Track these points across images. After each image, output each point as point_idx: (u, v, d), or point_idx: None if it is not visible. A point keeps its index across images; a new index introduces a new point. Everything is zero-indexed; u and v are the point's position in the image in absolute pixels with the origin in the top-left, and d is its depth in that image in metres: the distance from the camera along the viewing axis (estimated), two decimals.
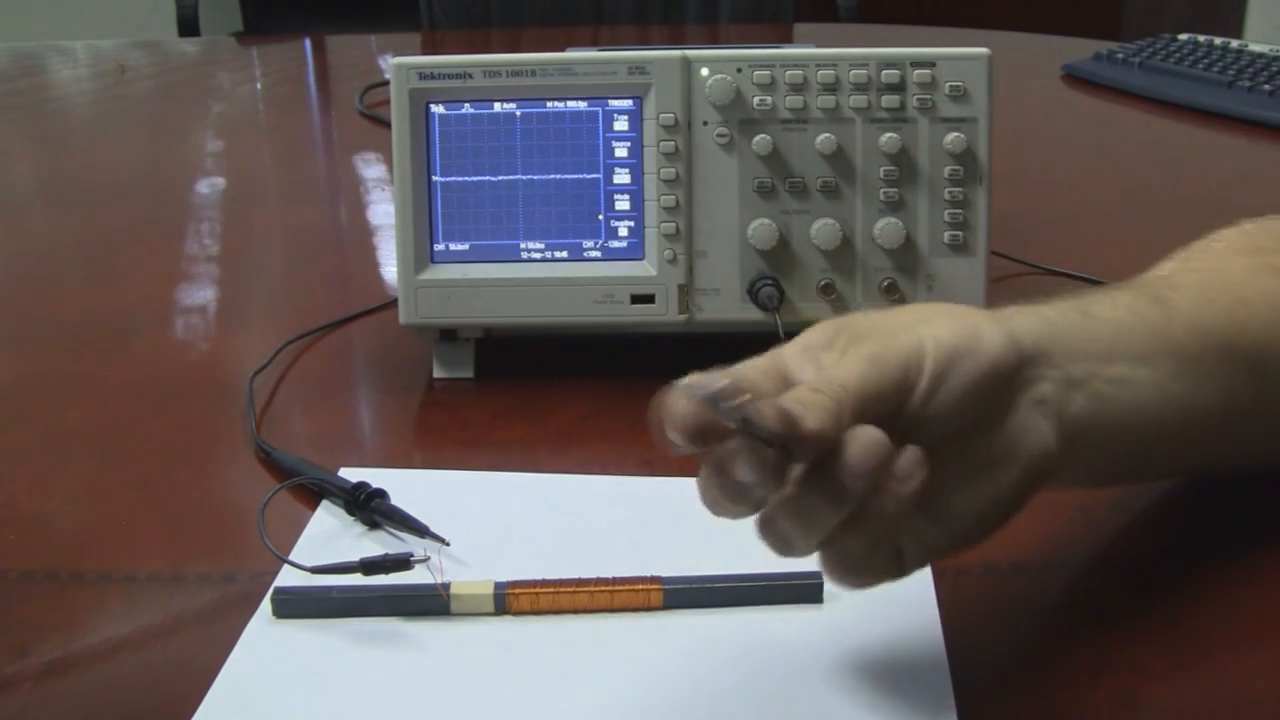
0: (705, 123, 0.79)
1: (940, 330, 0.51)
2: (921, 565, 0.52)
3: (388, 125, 0.80)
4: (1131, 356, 0.56)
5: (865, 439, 0.46)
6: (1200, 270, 0.64)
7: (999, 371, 0.51)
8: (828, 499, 0.47)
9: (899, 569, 0.51)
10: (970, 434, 0.51)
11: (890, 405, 0.49)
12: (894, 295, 0.79)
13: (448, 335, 0.82)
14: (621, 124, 0.79)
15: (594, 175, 0.79)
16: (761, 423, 0.44)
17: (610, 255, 0.80)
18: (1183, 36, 1.54)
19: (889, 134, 0.78)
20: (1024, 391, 0.53)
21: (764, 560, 0.60)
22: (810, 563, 0.60)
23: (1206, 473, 0.66)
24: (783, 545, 0.49)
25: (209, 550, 0.66)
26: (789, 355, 0.52)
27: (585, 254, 0.80)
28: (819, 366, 0.50)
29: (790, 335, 0.75)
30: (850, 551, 0.49)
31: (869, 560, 0.50)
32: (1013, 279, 0.95)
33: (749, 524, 0.67)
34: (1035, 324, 0.55)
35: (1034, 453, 0.52)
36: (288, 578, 0.61)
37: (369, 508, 0.66)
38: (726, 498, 0.47)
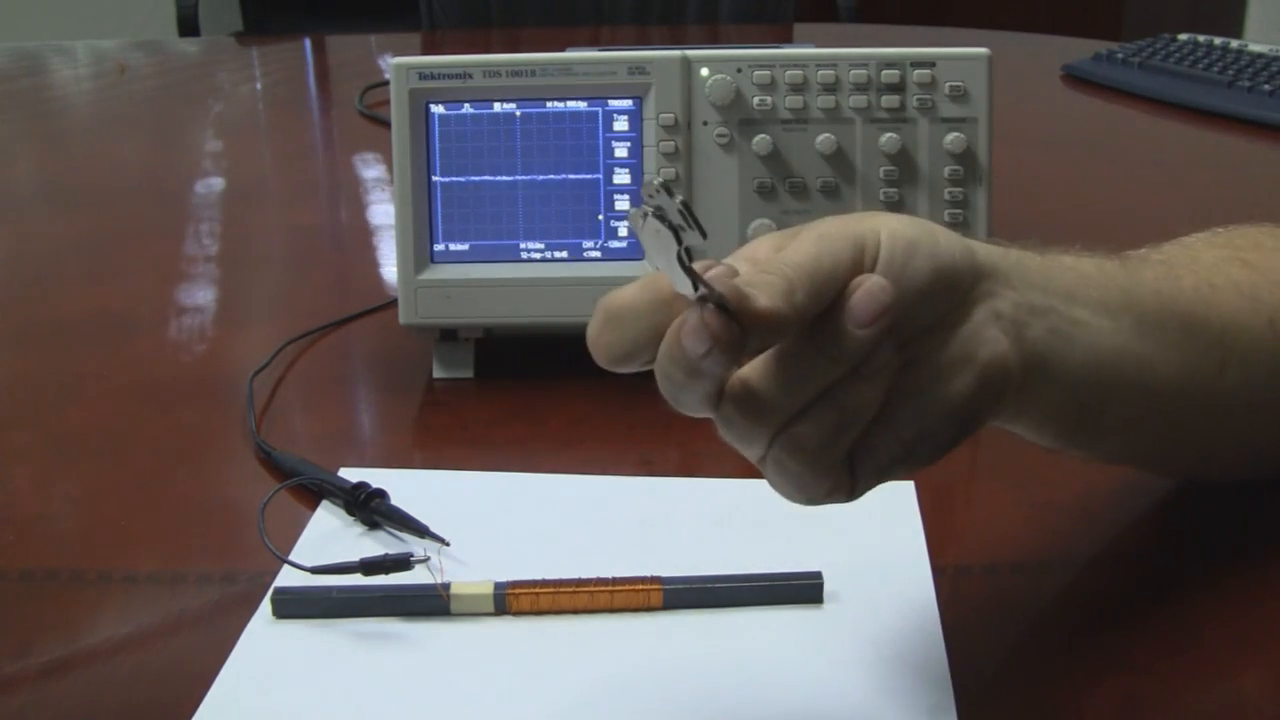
0: (705, 123, 0.79)
1: (896, 224, 0.49)
2: (872, 482, 0.49)
3: (388, 125, 0.80)
4: (1093, 304, 0.54)
5: (872, 284, 0.46)
6: (1168, 254, 0.63)
7: (955, 272, 0.49)
8: (810, 361, 0.46)
9: (850, 485, 0.48)
10: (925, 337, 0.49)
11: (844, 274, 0.47)
12: None
13: (448, 335, 0.82)
14: (621, 124, 0.79)
15: (594, 175, 0.79)
16: (717, 287, 0.43)
17: (610, 255, 0.80)
18: (1183, 36, 1.54)
19: (889, 134, 0.78)
20: (981, 303, 0.50)
21: (764, 560, 0.60)
22: (810, 563, 0.61)
23: (1166, 459, 0.64)
24: (736, 429, 0.47)
25: (209, 550, 0.66)
26: (732, 260, 0.49)
27: (585, 254, 0.80)
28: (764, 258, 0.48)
29: None
30: (804, 443, 0.47)
31: (821, 460, 0.47)
32: None
33: (747, 524, 0.67)
34: (996, 250, 0.53)
35: (990, 361, 0.50)
36: (288, 578, 0.61)
37: (369, 508, 0.66)
38: (682, 372, 0.44)
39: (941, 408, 0.49)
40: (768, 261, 0.47)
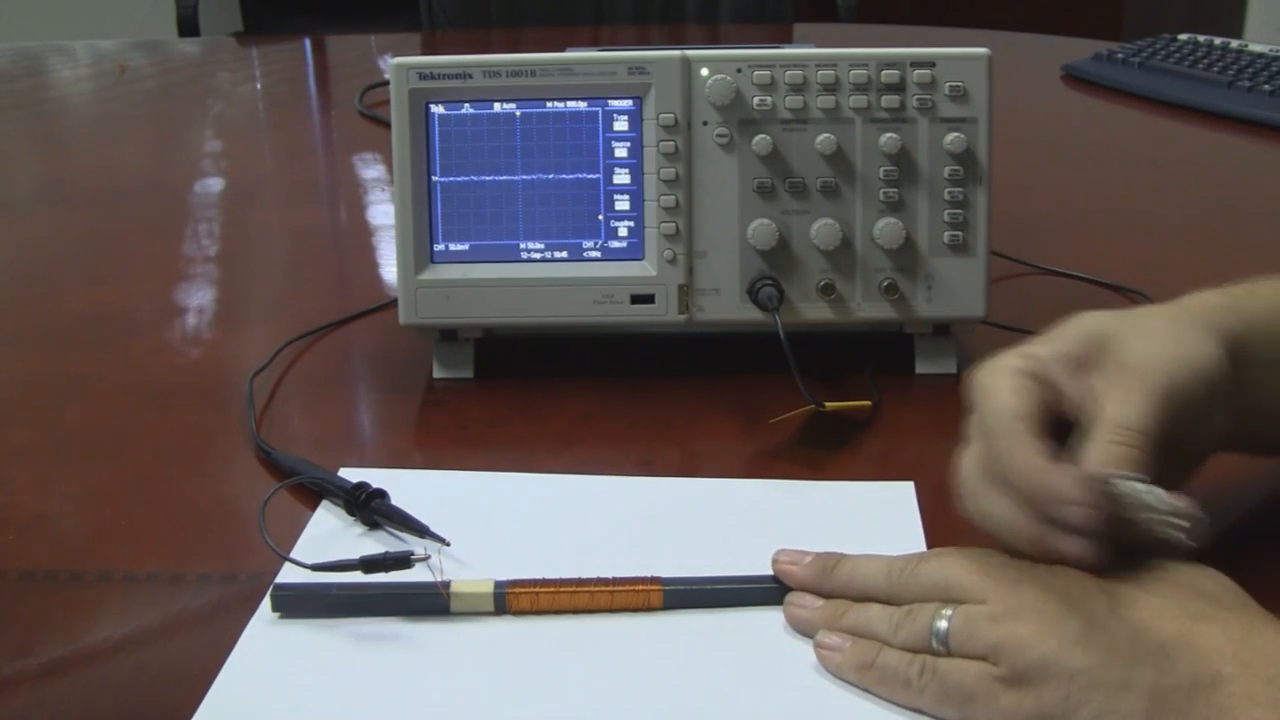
0: (705, 123, 0.79)
1: (1197, 355, 0.57)
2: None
3: (388, 125, 0.80)
4: None
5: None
6: None
7: (1226, 383, 0.57)
8: None
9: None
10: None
11: (1168, 433, 0.55)
12: (894, 295, 0.79)
13: (448, 335, 0.82)
14: (621, 124, 0.79)
15: (594, 175, 0.79)
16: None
17: (610, 255, 0.80)
18: (1183, 36, 1.54)
19: (889, 134, 0.78)
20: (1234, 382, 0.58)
21: (764, 560, 0.60)
22: None
23: None
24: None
25: (209, 550, 0.66)
26: (1053, 365, 0.58)
27: (585, 254, 0.80)
28: (1093, 395, 0.57)
29: (790, 336, 0.75)
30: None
31: None
32: (1013, 279, 0.95)
33: (747, 524, 0.67)
34: (1240, 332, 0.59)
35: (1216, 444, 0.59)
36: (288, 577, 0.61)
37: (369, 508, 0.66)
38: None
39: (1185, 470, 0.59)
40: (1115, 432, 0.54)
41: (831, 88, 0.78)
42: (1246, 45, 1.49)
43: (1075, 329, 0.59)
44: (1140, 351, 0.57)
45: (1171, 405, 0.55)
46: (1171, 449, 0.56)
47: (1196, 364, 0.57)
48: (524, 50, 0.80)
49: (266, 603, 0.60)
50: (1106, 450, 0.54)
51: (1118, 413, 0.55)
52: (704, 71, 0.78)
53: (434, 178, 0.80)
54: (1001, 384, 0.57)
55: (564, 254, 0.80)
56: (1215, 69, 1.42)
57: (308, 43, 1.93)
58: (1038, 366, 0.58)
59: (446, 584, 0.59)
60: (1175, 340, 0.57)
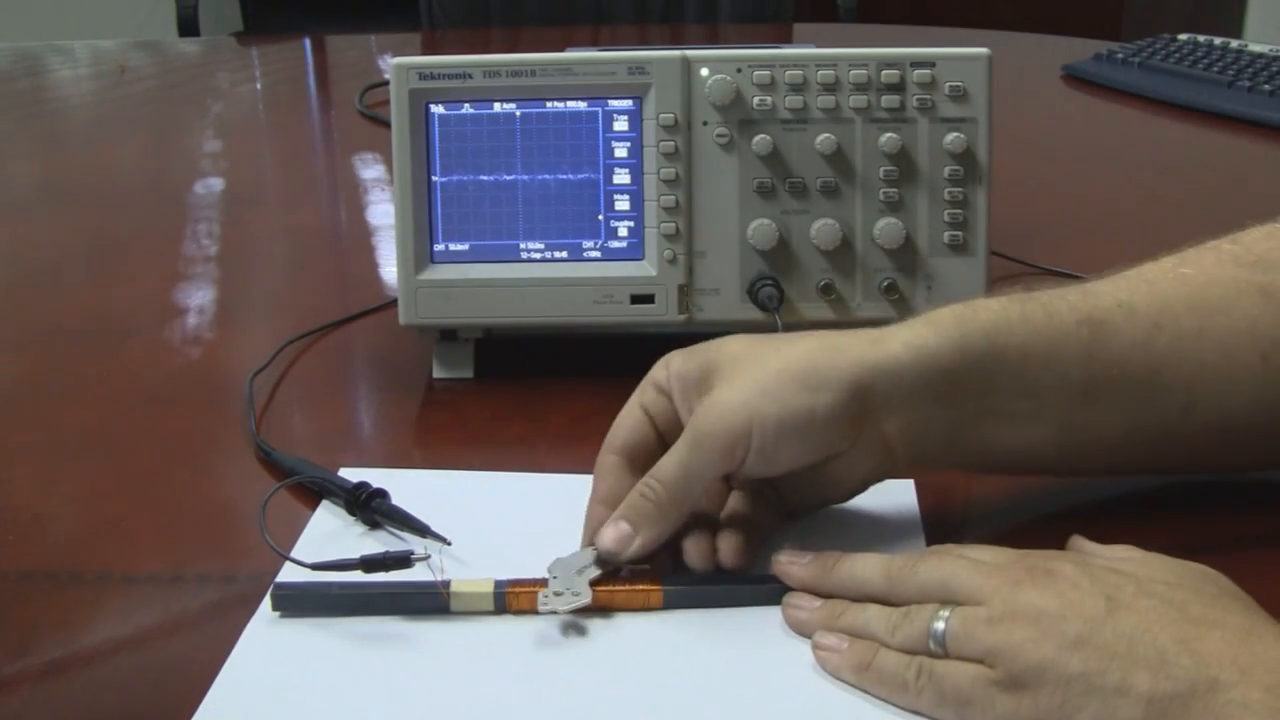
0: (705, 123, 0.79)
1: (771, 408, 0.58)
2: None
3: (388, 125, 0.80)
4: (1017, 389, 0.60)
5: (692, 554, 0.60)
6: (1182, 281, 0.64)
7: (833, 423, 0.59)
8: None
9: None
10: (808, 472, 0.61)
11: (717, 476, 0.60)
12: (894, 295, 0.79)
13: (448, 335, 0.82)
14: (621, 124, 0.79)
15: (594, 175, 0.79)
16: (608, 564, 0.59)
17: (610, 255, 0.80)
18: (1183, 36, 1.54)
19: (889, 134, 0.78)
20: (869, 428, 0.60)
21: (764, 560, 0.60)
22: None
23: (1134, 470, 0.67)
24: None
25: (209, 550, 0.66)
26: (675, 382, 0.62)
27: (585, 254, 0.80)
28: (670, 418, 0.62)
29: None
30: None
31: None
32: (1013, 279, 0.94)
33: None
34: (901, 366, 0.59)
35: (868, 477, 0.62)
36: (288, 576, 0.61)
37: (370, 507, 0.66)
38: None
39: (826, 501, 0.64)
40: (647, 480, 0.59)
41: (831, 88, 0.78)
42: (1246, 45, 1.49)
43: (709, 351, 0.62)
44: (716, 396, 0.59)
45: (719, 454, 0.58)
46: (796, 482, 0.62)
47: (778, 414, 0.58)
48: (524, 50, 0.80)
49: (266, 602, 0.60)
50: (629, 501, 0.59)
51: (661, 462, 0.59)
52: (704, 71, 0.78)
53: (434, 178, 0.80)
54: (632, 403, 0.63)
55: (564, 254, 0.80)
56: (1215, 69, 1.42)
57: (308, 43, 1.93)
58: (663, 381, 0.62)
59: (446, 583, 0.59)
60: (759, 389, 0.58)
